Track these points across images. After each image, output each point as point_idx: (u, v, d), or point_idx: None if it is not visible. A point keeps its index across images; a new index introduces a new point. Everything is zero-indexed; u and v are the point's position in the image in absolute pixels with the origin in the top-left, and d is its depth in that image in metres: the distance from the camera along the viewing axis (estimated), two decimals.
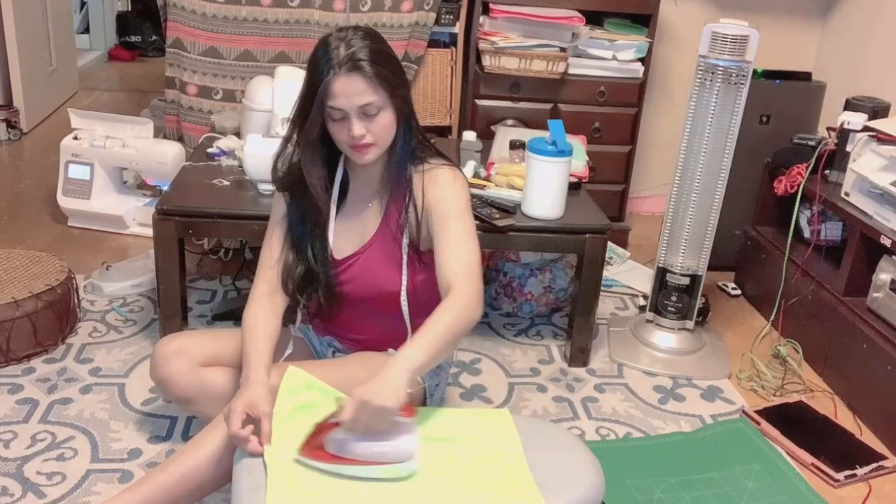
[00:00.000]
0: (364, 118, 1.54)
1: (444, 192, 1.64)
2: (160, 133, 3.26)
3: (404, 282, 1.71)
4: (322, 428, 1.41)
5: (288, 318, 1.82)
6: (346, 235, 1.72)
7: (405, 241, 1.69)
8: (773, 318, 2.68)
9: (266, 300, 1.66)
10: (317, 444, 1.39)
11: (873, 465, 2.03)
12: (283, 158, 1.69)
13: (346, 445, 1.38)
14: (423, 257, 1.71)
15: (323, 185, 1.67)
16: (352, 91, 1.51)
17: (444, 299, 1.52)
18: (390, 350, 1.80)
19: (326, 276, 1.71)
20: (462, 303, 1.51)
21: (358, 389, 1.37)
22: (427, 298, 1.78)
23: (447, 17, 3.07)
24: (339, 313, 1.79)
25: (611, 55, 3.09)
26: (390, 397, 1.36)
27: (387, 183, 1.69)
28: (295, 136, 1.63)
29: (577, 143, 2.57)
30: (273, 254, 1.70)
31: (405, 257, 1.70)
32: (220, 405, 1.60)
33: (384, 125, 1.57)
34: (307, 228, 1.70)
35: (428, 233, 1.67)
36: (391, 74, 1.56)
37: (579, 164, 2.50)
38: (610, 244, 2.88)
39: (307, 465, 1.37)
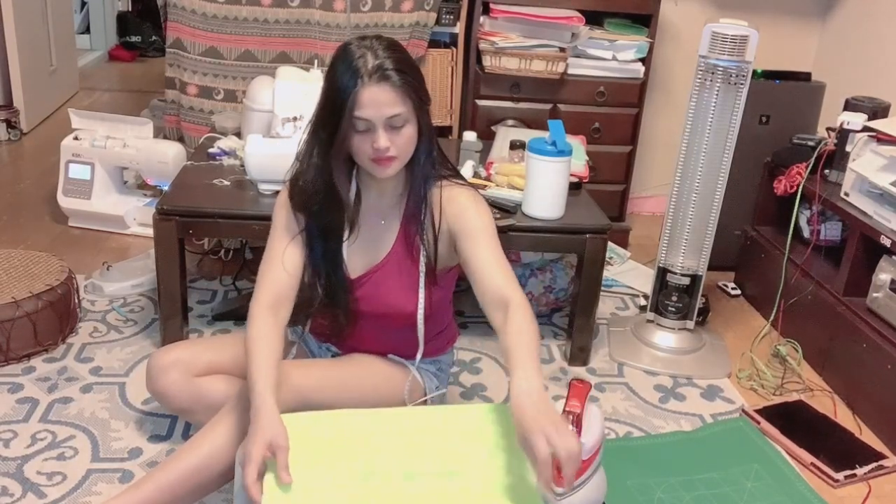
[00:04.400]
0: (390, 130, 1.49)
1: (468, 211, 1.59)
2: (160, 133, 3.27)
3: (421, 301, 1.67)
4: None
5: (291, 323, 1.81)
6: (357, 253, 1.68)
7: (423, 259, 1.65)
8: (772, 317, 2.68)
9: (269, 315, 1.55)
10: None
11: (873, 465, 2.03)
12: (303, 176, 1.59)
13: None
14: (438, 276, 1.68)
15: (351, 199, 1.62)
16: (381, 101, 1.46)
17: (506, 312, 1.46)
18: (391, 356, 1.79)
19: (345, 296, 1.66)
20: (531, 313, 1.46)
21: (540, 443, 1.24)
22: (438, 315, 1.77)
23: (447, 17, 3.08)
24: (350, 330, 1.74)
25: (611, 55, 3.09)
26: (561, 422, 1.30)
27: (406, 199, 1.65)
28: (316, 149, 1.56)
29: (577, 143, 2.58)
30: (287, 266, 1.59)
31: (422, 277, 1.66)
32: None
33: (408, 138, 1.53)
34: (325, 247, 1.64)
35: (447, 251, 1.64)
36: (419, 86, 1.52)
37: (579, 164, 2.50)
38: (610, 244, 2.88)
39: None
